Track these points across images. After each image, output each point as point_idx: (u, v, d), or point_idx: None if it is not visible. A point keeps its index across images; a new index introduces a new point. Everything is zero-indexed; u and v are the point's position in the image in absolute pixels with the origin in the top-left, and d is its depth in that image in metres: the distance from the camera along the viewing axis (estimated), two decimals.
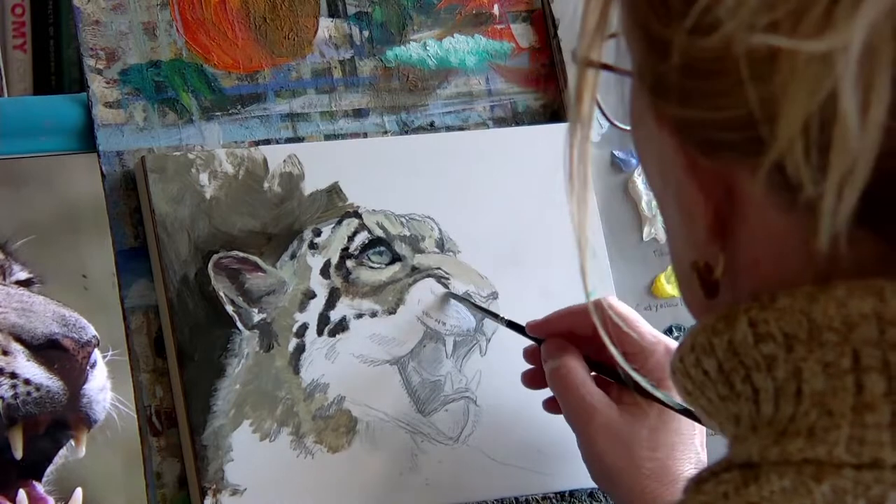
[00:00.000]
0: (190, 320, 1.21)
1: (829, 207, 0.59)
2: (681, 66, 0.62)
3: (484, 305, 1.27)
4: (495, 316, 1.25)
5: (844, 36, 0.57)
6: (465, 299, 1.27)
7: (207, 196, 1.24)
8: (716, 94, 0.62)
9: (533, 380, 1.23)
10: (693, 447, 1.14)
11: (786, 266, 0.64)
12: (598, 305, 1.16)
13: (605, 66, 0.70)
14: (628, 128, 0.73)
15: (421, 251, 1.28)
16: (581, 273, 0.76)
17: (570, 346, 1.18)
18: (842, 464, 0.61)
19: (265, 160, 1.26)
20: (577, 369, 1.16)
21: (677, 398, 1.13)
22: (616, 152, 1.36)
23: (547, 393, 1.23)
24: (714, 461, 0.66)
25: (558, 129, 1.36)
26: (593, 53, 0.69)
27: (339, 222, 1.27)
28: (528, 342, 1.23)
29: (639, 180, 1.36)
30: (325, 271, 1.25)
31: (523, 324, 1.22)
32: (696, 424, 1.15)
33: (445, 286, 1.27)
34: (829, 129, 0.59)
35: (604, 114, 0.70)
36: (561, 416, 1.21)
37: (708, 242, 0.67)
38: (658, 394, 1.12)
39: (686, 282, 0.71)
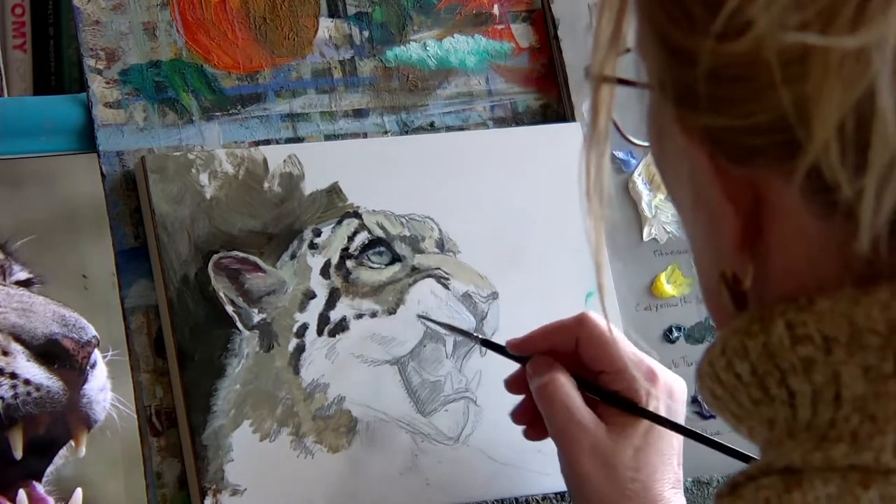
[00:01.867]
0: (190, 320, 1.21)
1: (868, 208, 0.58)
2: (707, 73, 0.62)
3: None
4: (470, 335, 1.24)
5: (879, 31, 0.57)
6: (437, 322, 1.26)
7: (207, 196, 1.24)
8: (745, 99, 0.61)
9: (522, 416, 1.21)
10: (672, 467, 1.14)
11: (820, 272, 0.63)
12: (583, 323, 1.16)
13: (622, 81, 0.69)
14: (645, 143, 0.72)
15: (421, 251, 1.28)
16: (598, 291, 0.76)
17: (557, 364, 1.16)
18: (889, 470, 0.60)
19: (265, 160, 1.26)
20: (567, 386, 1.15)
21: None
22: (616, 152, 1.36)
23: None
24: (749, 466, 0.65)
25: (558, 130, 1.36)
26: (608, 69, 0.69)
27: (339, 222, 1.27)
28: (509, 374, 1.21)
29: (639, 180, 1.36)
30: (325, 271, 1.25)
31: (502, 343, 1.20)
32: (675, 444, 1.14)
33: (445, 286, 1.27)
34: (867, 127, 0.58)
35: (619, 130, 0.70)
36: None
37: (736, 252, 0.66)
38: (644, 411, 1.11)
39: (713, 293, 0.69)
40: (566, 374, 1.15)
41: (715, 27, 0.60)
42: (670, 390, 1.15)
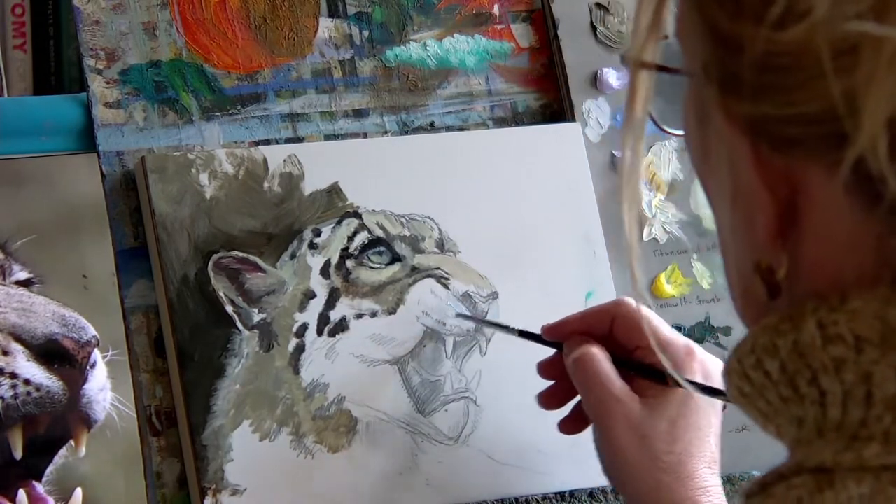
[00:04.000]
0: (190, 320, 1.21)
1: None
2: (756, 60, 0.61)
3: (490, 318, 1.27)
4: (506, 328, 1.24)
5: None
6: (474, 318, 1.26)
7: (207, 196, 1.24)
8: (793, 88, 0.60)
9: (551, 399, 1.21)
10: (709, 445, 1.13)
11: (856, 266, 0.63)
12: (619, 304, 1.16)
13: (660, 68, 0.69)
14: (679, 132, 0.72)
15: (421, 251, 1.28)
16: (630, 275, 0.75)
17: (592, 340, 1.16)
18: None
19: (265, 160, 1.26)
20: (602, 359, 1.15)
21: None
22: (616, 152, 1.36)
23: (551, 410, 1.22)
24: (777, 465, 0.64)
25: (558, 130, 1.36)
26: (647, 55, 0.68)
27: (339, 222, 1.27)
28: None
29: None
30: (325, 271, 1.25)
31: (537, 331, 1.21)
32: (712, 421, 1.14)
33: (445, 286, 1.27)
34: None
35: (653, 120, 0.69)
36: (560, 416, 1.21)
37: (770, 242, 0.65)
38: (685, 381, 1.10)
39: (744, 284, 0.69)
40: (602, 349, 1.15)
41: (770, 15, 0.60)
42: (706, 368, 1.15)
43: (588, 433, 1.19)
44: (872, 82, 0.58)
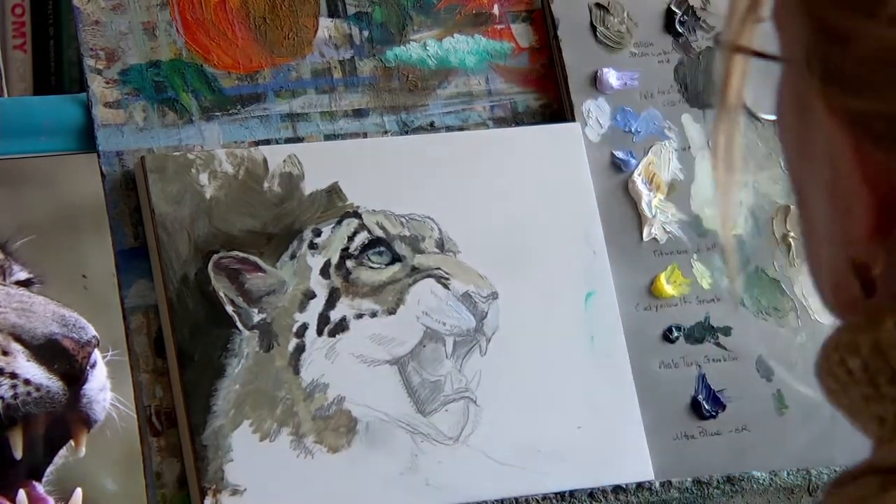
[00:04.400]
0: (190, 320, 1.21)
1: None
2: (865, 55, 0.60)
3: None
4: None
5: None
6: None
7: (207, 196, 1.24)
8: None
9: None
10: None
11: None
12: None
13: (757, 53, 0.67)
14: (772, 117, 0.70)
15: (421, 251, 1.28)
16: (726, 264, 0.73)
17: None
18: None
19: (265, 160, 1.26)
20: None
21: None
22: (616, 152, 1.36)
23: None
24: (858, 463, 0.64)
25: (558, 130, 1.36)
26: (743, 39, 0.66)
27: (339, 222, 1.27)
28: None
29: (638, 180, 1.36)
30: (325, 271, 1.25)
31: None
32: None
33: (445, 286, 1.27)
34: None
35: (745, 107, 0.69)
36: (560, 417, 1.21)
37: (868, 238, 0.64)
38: None
39: (835, 278, 0.67)
40: None
41: (887, 11, 0.59)
42: None
43: (584, 433, 1.19)
44: None
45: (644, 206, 1.36)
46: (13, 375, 1.09)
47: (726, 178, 0.72)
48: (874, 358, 0.64)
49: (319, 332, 1.24)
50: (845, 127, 0.63)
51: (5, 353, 1.10)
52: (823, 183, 0.66)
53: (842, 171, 0.64)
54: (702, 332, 1.35)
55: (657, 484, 1.29)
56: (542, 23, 1.39)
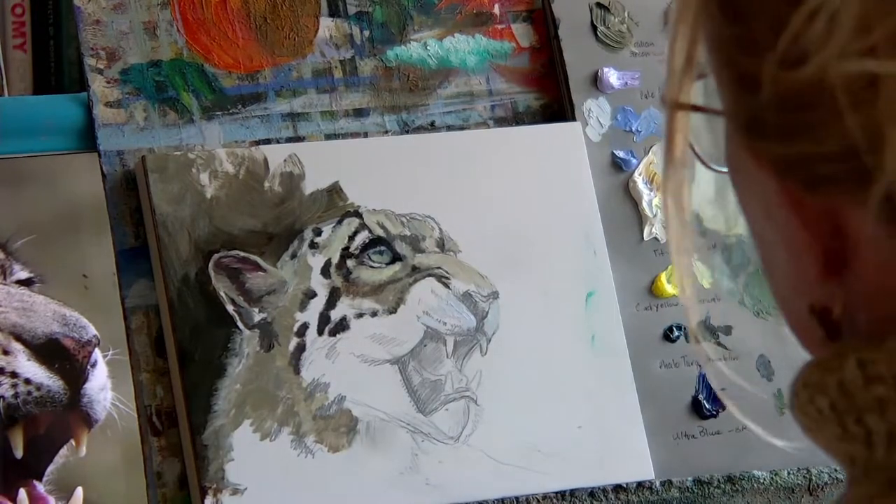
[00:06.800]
0: (190, 320, 1.21)
1: None
2: (774, 100, 0.59)
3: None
4: None
5: None
6: None
7: (208, 196, 1.24)
8: (814, 126, 0.59)
9: None
10: None
11: None
12: None
13: (696, 108, 0.66)
14: (726, 170, 0.70)
15: (421, 251, 1.28)
16: (689, 323, 0.73)
17: None
18: None
19: (266, 160, 1.26)
20: None
21: None
22: (616, 152, 1.36)
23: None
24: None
25: (558, 129, 1.36)
26: (682, 95, 0.66)
27: (340, 222, 1.27)
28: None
29: (639, 180, 1.36)
30: (325, 271, 1.25)
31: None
32: None
33: (446, 285, 1.27)
34: None
35: (699, 157, 0.68)
36: (560, 416, 1.21)
37: (821, 282, 0.63)
38: None
39: (803, 326, 0.67)
40: None
41: (775, 53, 0.58)
42: None
43: (584, 432, 1.19)
44: (893, 114, 0.56)
45: (645, 205, 1.36)
46: (14, 375, 1.09)
47: (679, 236, 0.72)
48: (840, 398, 0.63)
49: (320, 332, 1.24)
50: (775, 174, 0.62)
51: (6, 353, 1.10)
52: (772, 233, 0.65)
53: (783, 220, 0.63)
54: (702, 332, 1.35)
55: (658, 483, 1.29)
56: (543, 22, 1.39)
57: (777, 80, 0.59)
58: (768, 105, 0.60)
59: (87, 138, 1.26)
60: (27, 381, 1.10)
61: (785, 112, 0.60)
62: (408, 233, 1.28)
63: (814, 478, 1.34)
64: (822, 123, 0.58)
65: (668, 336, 1.34)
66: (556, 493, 1.27)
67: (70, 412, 1.13)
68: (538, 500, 1.26)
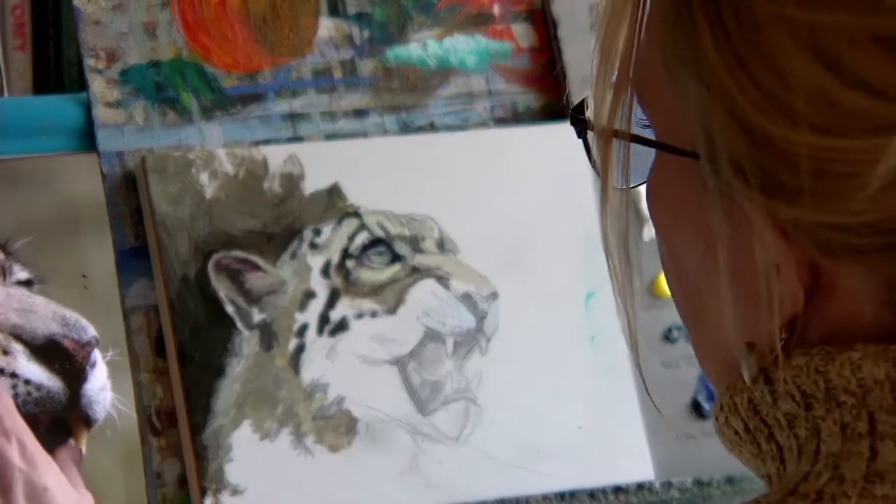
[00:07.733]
0: (190, 320, 1.21)
1: None
2: (811, 169, 0.57)
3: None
4: None
5: None
6: None
7: (207, 196, 1.24)
8: (855, 197, 0.57)
9: None
10: None
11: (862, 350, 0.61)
12: None
13: (636, 139, 0.64)
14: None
15: (421, 251, 1.28)
16: (634, 365, 0.72)
17: None
18: None
19: (265, 160, 1.26)
20: None
21: None
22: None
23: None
24: None
25: (558, 130, 1.36)
26: (618, 122, 0.64)
27: (340, 222, 1.27)
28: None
29: None
30: (325, 271, 1.25)
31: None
32: None
33: (446, 286, 1.27)
34: None
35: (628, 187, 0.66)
36: (560, 417, 1.21)
37: (780, 330, 0.62)
38: None
39: (724, 357, 0.66)
40: None
41: (828, 125, 0.57)
42: None
43: (584, 433, 1.19)
44: None
45: (644, 205, 1.36)
46: (13, 375, 1.09)
47: (623, 269, 0.70)
48: (751, 417, 0.64)
49: (320, 332, 1.24)
50: (784, 235, 0.61)
51: (6, 353, 1.10)
52: (729, 275, 0.63)
53: (768, 272, 0.62)
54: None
55: (657, 484, 1.29)
56: (543, 23, 1.39)
57: (817, 149, 0.57)
58: (802, 172, 0.58)
59: (86, 138, 1.26)
60: (27, 382, 1.10)
61: (820, 180, 0.58)
62: (407, 233, 1.28)
63: None
64: (865, 194, 0.57)
65: (667, 336, 1.34)
66: (556, 493, 1.27)
67: (70, 412, 1.13)
68: (538, 501, 1.26)
